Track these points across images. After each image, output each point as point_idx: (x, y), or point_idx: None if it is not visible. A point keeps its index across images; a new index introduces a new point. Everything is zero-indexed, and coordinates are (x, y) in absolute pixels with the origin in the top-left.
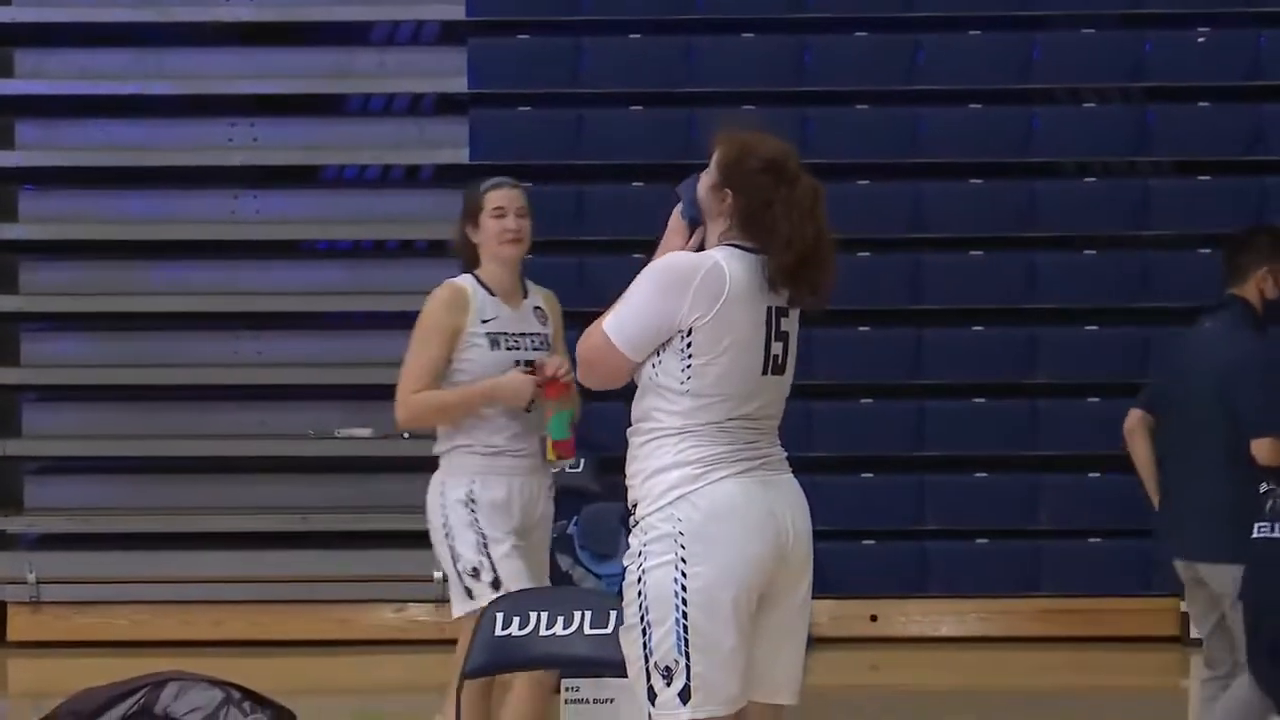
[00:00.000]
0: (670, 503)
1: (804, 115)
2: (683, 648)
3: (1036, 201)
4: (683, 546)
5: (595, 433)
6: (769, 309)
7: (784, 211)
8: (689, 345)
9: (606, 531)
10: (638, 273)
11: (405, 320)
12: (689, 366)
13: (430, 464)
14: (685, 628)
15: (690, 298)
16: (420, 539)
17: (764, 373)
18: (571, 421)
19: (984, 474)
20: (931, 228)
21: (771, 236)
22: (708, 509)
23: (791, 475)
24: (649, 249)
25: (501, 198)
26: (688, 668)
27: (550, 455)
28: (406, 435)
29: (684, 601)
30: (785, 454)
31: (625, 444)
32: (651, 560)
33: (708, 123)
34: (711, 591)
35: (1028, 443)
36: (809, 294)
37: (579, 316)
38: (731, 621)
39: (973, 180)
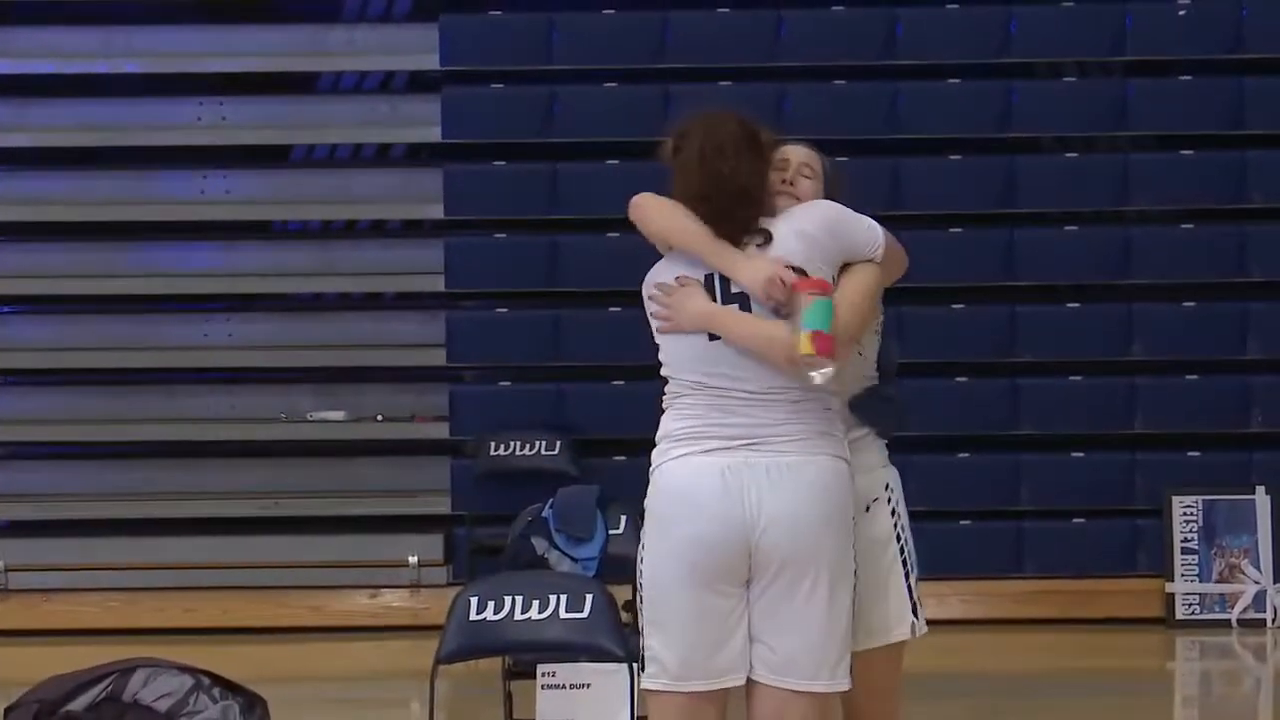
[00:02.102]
0: (651, 475)
1: (781, 91)
2: (642, 620)
3: (1016, 177)
4: (645, 520)
5: (572, 415)
6: (706, 276)
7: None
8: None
9: (583, 514)
10: (611, 248)
11: (377, 301)
12: (657, 338)
13: (404, 447)
14: (641, 599)
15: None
16: (394, 523)
17: (713, 339)
18: (831, 316)
19: (965, 454)
20: (910, 204)
21: None
22: (662, 485)
23: (802, 459)
24: (623, 228)
25: (786, 151)
26: (642, 640)
27: (806, 348)
28: (380, 418)
29: (641, 574)
30: (808, 434)
31: (602, 426)
32: (643, 531)
33: (683, 99)
34: (656, 569)
35: (1009, 422)
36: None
37: (553, 297)
38: (677, 600)
39: (952, 156)
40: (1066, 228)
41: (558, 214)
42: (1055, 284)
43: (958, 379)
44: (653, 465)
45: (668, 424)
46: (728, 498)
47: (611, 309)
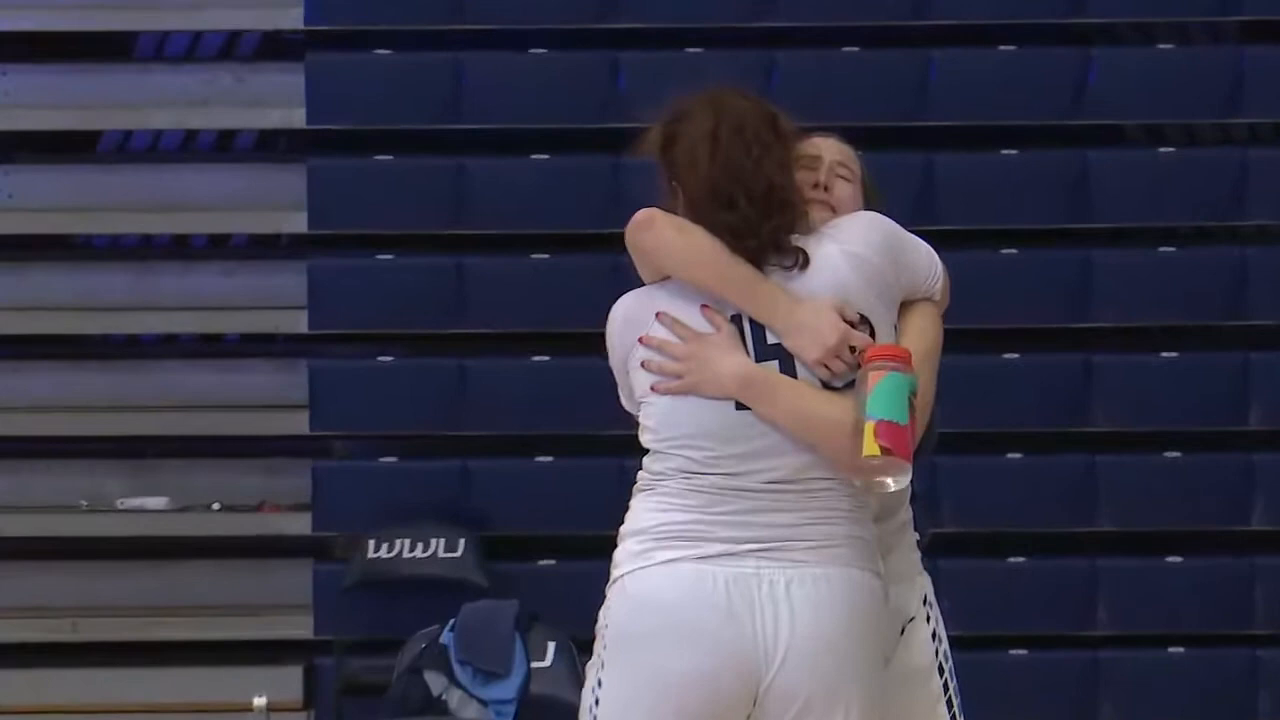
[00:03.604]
0: (613, 584)
1: (770, 60)
2: None
3: (1092, 179)
4: (605, 647)
5: (480, 502)
6: (733, 316)
7: None
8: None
9: (495, 640)
10: (537, 274)
11: (215, 346)
12: (641, 398)
13: (250, 547)
14: None
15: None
16: (236, 651)
17: (740, 407)
18: (911, 397)
19: (1021, 558)
20: (947, 215)
21: None
22: (637, 600)
23: (830, 571)
24: (554, 248)
25: (816, 145)
26: None
27: (872, 448)
28: (216, 507)
29: (595, 718)
30: (836, 539)
31: (521, 519)
32: (593, 661)
33: (638, 72)
34: (619, 714)
35: (1083, 514)
36: None
37: (457, 341)
38: None
39: (1004, 150)
40: (1160, 249)
41: (464, 227)
42: (1144, 325)
43: (1010, 455)
44: (618, 571)
45: (646, 515)
46: (734, 621)
47: (536, 358)
